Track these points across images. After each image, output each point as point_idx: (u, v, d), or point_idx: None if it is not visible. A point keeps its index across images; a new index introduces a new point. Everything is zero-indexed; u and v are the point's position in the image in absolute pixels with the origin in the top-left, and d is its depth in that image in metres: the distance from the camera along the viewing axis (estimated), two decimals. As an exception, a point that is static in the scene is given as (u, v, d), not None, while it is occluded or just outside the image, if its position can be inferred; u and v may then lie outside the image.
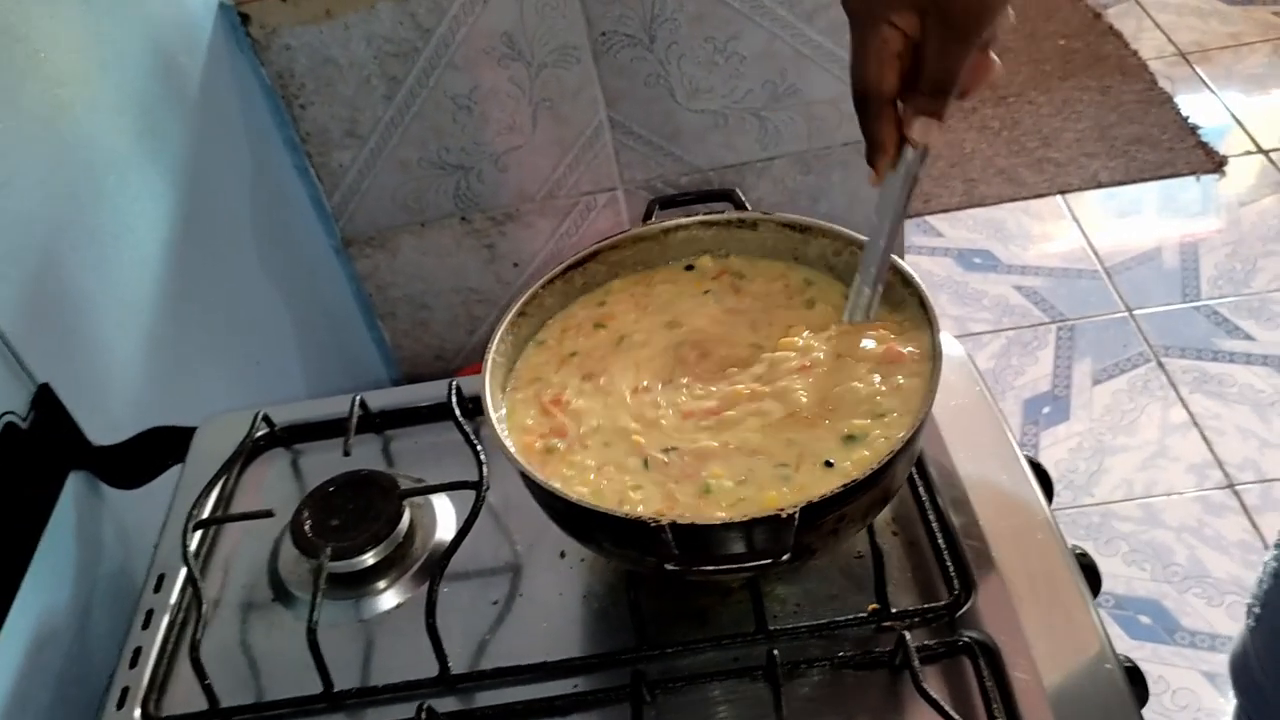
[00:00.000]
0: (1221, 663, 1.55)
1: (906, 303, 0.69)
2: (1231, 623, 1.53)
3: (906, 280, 0.68)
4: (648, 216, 0.78)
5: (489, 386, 0.68)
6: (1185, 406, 1.83)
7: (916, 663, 0.58)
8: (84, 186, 0.93)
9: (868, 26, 0.60)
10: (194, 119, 1.14)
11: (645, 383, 0.70)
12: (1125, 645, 1.53)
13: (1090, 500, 1.71)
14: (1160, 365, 1.91)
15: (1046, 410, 1.87)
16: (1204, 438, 1.77)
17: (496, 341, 0.70)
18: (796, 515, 0.55)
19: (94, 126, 0.95)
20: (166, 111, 1.09)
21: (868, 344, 0.68)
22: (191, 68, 1.16)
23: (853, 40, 0.62)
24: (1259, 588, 0.87)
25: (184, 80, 1.15)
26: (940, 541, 0.67)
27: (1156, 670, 1.49)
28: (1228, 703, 1.45)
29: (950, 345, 0.71)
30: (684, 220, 0.76)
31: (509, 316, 0.72)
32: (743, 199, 0.78)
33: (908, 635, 0.60)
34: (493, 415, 0.67)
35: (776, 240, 0.75)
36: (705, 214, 0.76)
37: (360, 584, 0.73)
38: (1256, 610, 0.87)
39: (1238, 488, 1.69)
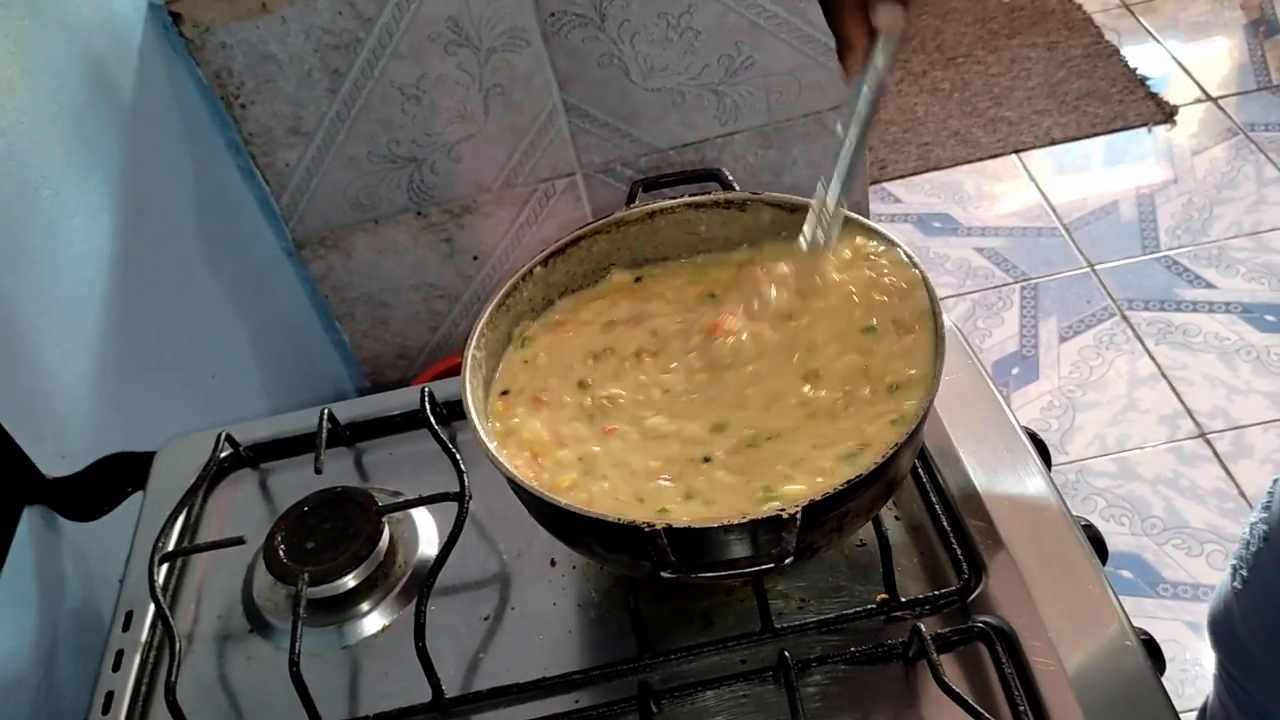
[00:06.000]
0: (1205, 612, 1.56)
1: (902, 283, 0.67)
2: (1213, 571, 1.54)
3: (911, 261, 0.65)
4: (631, 200, 0.74)
5: (469, 386, 0.64)
6: (1152, 358, 1.84)
7: (935, 655, 0.56)
8: (16, 205, 0.87)
9: None
10: (129, 126, 1.09)
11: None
12: (1109, 601, 1.53)
13: (1065, 458, 1.71)
14: (1125, 318, 1.91)
15: (1016, 371, 1.87)
16: (1172, 388, 1.78)
17: (476, 337, 0.67)
18: (799, 515, 0.52)
19: (22, 139, 0.90)
20: (99, 120, 1.04)
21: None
22: (123, 73, 1.11)
23: None
24: (1246, 549, 0.86)
25: (116, 86, 1.09)
26: (945, 524, 0.65)
27: (1141, 624, 1.48)
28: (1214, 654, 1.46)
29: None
30: (669, 202, 0.73)
31: (487, 312, 0.68)
32: (730, 179, 0.75)
33: (922, 626, 0.58)
34: (474, 417, 0.63)
35: (772, 220, 0.72)
36: (692, 195, 0.73)
37: (342, 608, 0.69)
38: (1244, 573, 0.86)
39: (1209, 436, 1.70)
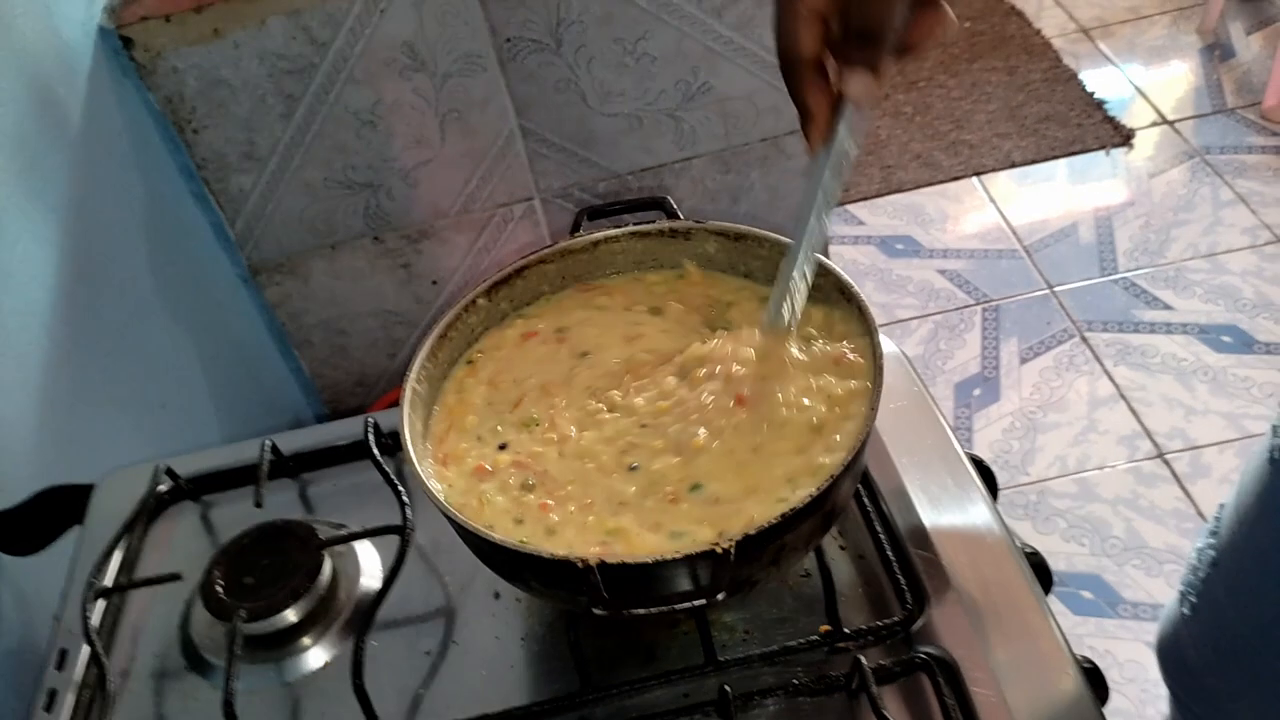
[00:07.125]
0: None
1: (841, 311, 0.66)
2: (1172, 592, 1.54)
3: (844, 289, 0.65)
4: (575, 229, 0.74)
5: (407, 420, 0.64)
6: (1111, 379, 1.85)
7: (874, 688, 0.55)
8: (-45, 233, 0.86)
9: None
10: (77, 152, 1.07)
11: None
12: (1069, 622, 1.53)
13: (1026, 479, 1.72)
14: (1084, 340, 1.93)
15: (977, 392, 1.88)
16: (1131, 409, 1.79)
17: (416, 370, 0.66)
18: (733, 550, 0.52)
19: (-37, 167, 0.89)
20: (46, 146, 1.02)
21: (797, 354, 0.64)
22: (71, 97, 1.09)
23: (774, 3, 0.56)
24: (1194, 575, 0.86)
25: (64, 111, 1.08)
26: (889, 554, 0.65)
27: (1103, 645, 1.50)
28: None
29: (885, 344, 0.69)
30: (614, 232, 0.73)
31: (428, 344, 0.68)
32: (675, 208, 0.75)
33: (863, 658, 0.57)
34: (412, 453, 0.62)
35: (717, 249, 0.72)
36: (636, 224, 0.73)
37: (282, 644, 0.68)
38: (1192, 599, 0.86)
39: (1168, 456, 1.71)
